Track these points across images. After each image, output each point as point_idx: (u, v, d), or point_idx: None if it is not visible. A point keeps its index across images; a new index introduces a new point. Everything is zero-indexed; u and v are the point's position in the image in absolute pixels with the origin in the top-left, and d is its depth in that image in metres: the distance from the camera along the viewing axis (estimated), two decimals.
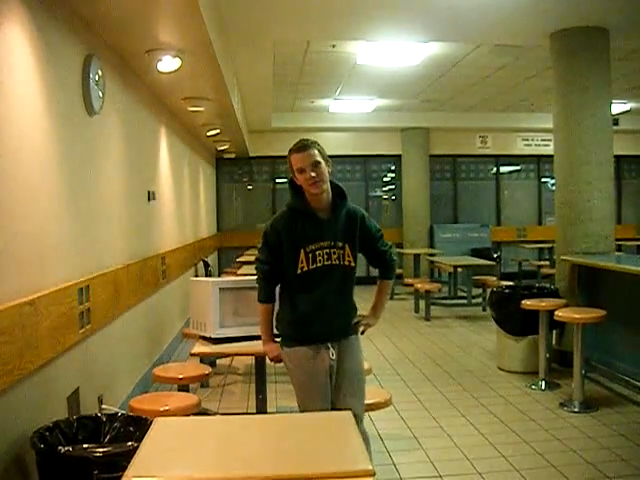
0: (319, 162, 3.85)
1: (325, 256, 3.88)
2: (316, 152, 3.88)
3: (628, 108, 14.17)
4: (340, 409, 3.68)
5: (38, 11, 3.98)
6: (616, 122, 12.75)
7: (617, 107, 13.21)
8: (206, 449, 2.41)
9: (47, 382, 3.96)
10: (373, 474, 2.12)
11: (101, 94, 5.18)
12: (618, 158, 15.84)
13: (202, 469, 2.24)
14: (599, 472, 4.73)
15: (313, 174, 3.83)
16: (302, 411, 3.83)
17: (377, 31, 7.85)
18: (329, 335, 3.94)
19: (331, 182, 3.96)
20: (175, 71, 6.12)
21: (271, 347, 4.02)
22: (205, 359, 6.54)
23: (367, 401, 4.47)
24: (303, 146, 3.89)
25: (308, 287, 3.90)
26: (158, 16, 5.09)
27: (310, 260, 3.86)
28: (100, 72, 5.13)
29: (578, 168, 7.61)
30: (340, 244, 3.90)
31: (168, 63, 5.96)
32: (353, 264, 3.94)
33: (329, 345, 3.91)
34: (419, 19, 7.37)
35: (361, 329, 4.06)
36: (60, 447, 3.32)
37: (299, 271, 3.85)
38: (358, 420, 3.65)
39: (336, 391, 3.92)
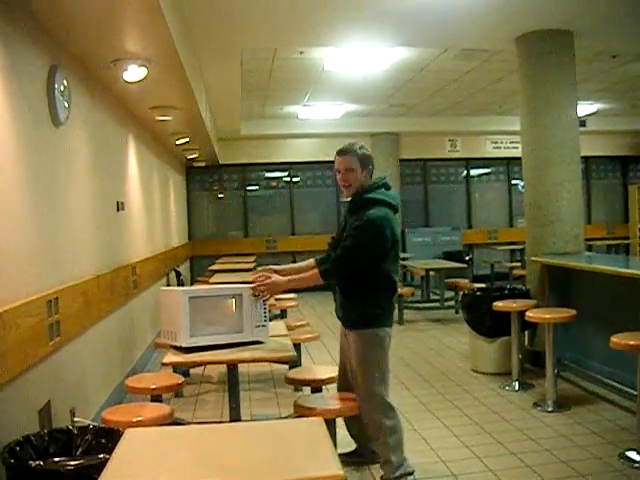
0: (352, 169, 4.38)
1: None
2: (353, 160, 4.38)
3: (595, 109, 14.32)
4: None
5: (1, 21, 3.95)
6: (583, 123, 12.91)
7: (584, 108, 13.35)
8: (177, 458, 2.40)
9: (17, 396, 3.92)
10: (345, 479, 2.13)
11: (67, 104, 5.14)
12: (586, 159, 16.06)
13: (174, 479, 2.22)
14: (573, 470, 4.76)
15: (342, 179, 4.42)
16: None
17: (344, 37, 7.87)
18: (341, 320, 4.63)
19: (373, 183, 4.47)
20: (141, 80, 6.07)
21: None
22: (178, 369, 6.51)
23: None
24: (343, 150, 4.44)
25: None
26: (123, 25, 5.06)
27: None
28: (65, 82, 5.09)
29: (546, 169, 7.68)
30: None
31: (134, 72, 5.92)
32: None
33: (345, 330, 4.59)
34: (386, 24, 7.39)
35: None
36: (31, 461, 3.28)
37: None
38: (366, 412, 4.44)
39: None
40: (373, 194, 4.41)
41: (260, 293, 4.43)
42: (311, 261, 4.78)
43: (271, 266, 4.70)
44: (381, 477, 4.50)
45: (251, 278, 4.58)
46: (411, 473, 4.46)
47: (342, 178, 4.43)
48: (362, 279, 4.37)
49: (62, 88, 5.01)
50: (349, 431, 4.91)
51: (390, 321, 4.52)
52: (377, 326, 4.41)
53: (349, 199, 4.52)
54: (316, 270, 4.47)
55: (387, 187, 4.51)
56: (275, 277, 4.50)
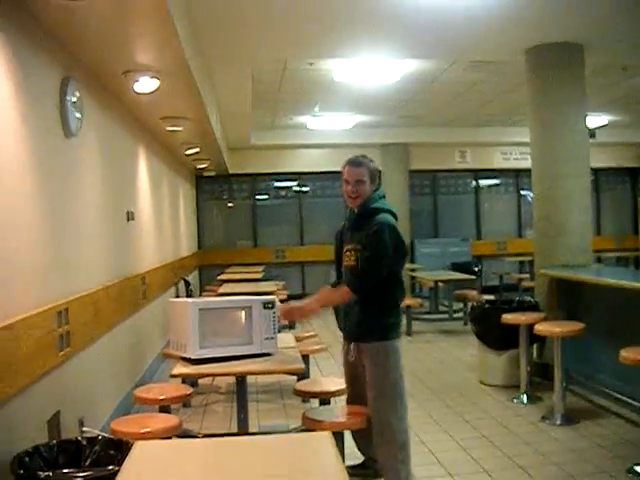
0: (363, 182, 4.43)
1: (351, 257, 4.42)
2: (365, 172, 4.44)
3: (605, 121, 14.29)
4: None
5: (14, 34, 3.99)
6: (593, 135, 12.87)
7: (594, 120, 13.32)
8: (187, 473, 2.41)
9: (27, 406, 3.93)
10: None
11: (79, 115, 5.18)
12: (596, 171, 15.98)
13: None
14: None
15: (352, 190, 4.43)
16: None
17: (354, 49, 7.90)
18: (347, 334, 4.57)
19: (376, 193, 4.52)
20: (153, 92, 6.12)
21: None
22: (187, 379, 6.52)
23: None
24: (355, 162, 4.49)
25: (341, 284, 4.53)
26: (135, 37, 5.10)
27: (344, 259, 4.51)
28: (77, 94, 5.13)
29: (555, 182, 7.68)
30: (358, 247, 4.37)
31: (145, 84, 5.96)
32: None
33: (351, 344, 4.50)
34: (396, 37, 7.41)
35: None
36: (40, 472, 3.29)
37: (342, 268, 4.56)
38: (380, 425, 4.37)
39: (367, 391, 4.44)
40: (379, 204, 4.48)
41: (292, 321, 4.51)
42: (325, 288, 4.77)
43: (291, 303, 4.76)
44: None
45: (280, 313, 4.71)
46: None
47: (352, 189, 4.43)
48: (382, 288, 4.36)
49: (74, 99, 5.05)
50: (356, 444, 4.89)
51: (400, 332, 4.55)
52: (394, 337, 4.43)
53: (351, 210, 4.57)
54: (344, 287, 4.39)
55: (384, 198, 4.60)
56: (304, 303, 4.58)
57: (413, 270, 14.28)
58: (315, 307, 4.54)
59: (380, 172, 4.62)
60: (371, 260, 4.32)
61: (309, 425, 4.42)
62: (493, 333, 7.48)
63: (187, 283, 12.39)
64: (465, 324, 11.61)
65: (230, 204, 16.98)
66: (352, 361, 4.53)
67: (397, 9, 6.37)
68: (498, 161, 17.00)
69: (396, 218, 4.50)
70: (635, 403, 6.14)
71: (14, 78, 3.98)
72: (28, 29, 4.26)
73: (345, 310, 4.52)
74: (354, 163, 4.47)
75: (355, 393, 4.64)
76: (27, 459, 3.43)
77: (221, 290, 9.34)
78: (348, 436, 4.76)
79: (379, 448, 4.44)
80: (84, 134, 5.43)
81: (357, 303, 4.40)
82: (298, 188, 16.99)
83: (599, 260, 14.21)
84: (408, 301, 11.27)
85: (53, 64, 4.77)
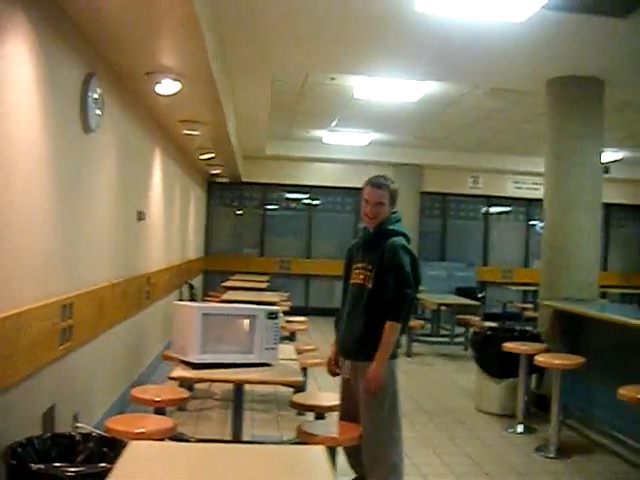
0: (383, 204, 4.37)
1: (360, 275, 4.39)
2: (385, 194, 4.38)
3: (620, 157, 14.27)
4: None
5: (42, 28, 4.02)
6: (607, 170, 12.85)
7: (609, 155, 13.30)
8: (179, 476, 2.41)
9: (24, 397, 3.94)
10: None
11: (99, 112, 5.21)
12: (608, 206, 15.95)
13: None
14: None
15: (371, 211, 4.38)
16: None
17: (376, 67, 7.95)
18: (343, 351, 4.51)
19: (394, 216, 4.47)
20: (173, 94, 6.15)
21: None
22: (184, 383, 6.51)
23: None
24: (377, 184, 4.41)
25: (345, 301, 4.53)
26: (160, 39, 5.15)
27: (351, 276, 4.47)
28: (99, 90, 5.16)
29: (566, 215, 7.68)
30: (370, 267, 4.34)
31: (167, 86, 5.99)
32: (370, 286, 4.31)
33: (346, 361, 4.46)
34: (418, 58, 7.45)
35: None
36: (32, 464, 3.30)
37: (348, 285, 4.52)
38: (372, 445, 4.29)
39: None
40: (395, 226, 4.45)
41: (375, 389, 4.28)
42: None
43: (330, 358, 4.67)
44: None
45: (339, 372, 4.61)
46: None
47: (371, 211, 4.39)
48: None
49: (96, 96, 5.08)
50: (348, 460, 4.86)
51: None
52: (392, 357, 4.35)
53: (363, 228, 4.58)
54: (389, 323, 4.22)
55: (400, 222, 4.56)
56: (370, 372, 4.25)
57: (417, 291, 14.22)
58: (382, 365, 4.27)
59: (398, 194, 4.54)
60: (398, 286, 4.26)
61: (303, 438, 4.40)
62: (493, 361, 7.47)
63: (191, 287, 12.40)
64: (465, 349, 11.58)
65: (240, 212, 17.02)
66: (347, 378, 4.49)
67: (421, 32, 6.39)
68: (510, 189, 17.01)
69: (409, 241, 4.46)
70: (630, 442, 6.11)
71: (39, 70, 4.01)
72: (56, 22, 4.29)
73: (346, 325, 4.46)
74: (376, 185, 4.40)
75: (348, 409, 4.53)
76: (20, 450, 3.44)
77: (224, 297, 9.34)
78: (341, 450, 4.75)
79: (370, 469, 4.36)
80: (103, 131, 5.46)
81: (362, 318, 4.33)
82: (309, 201, 17.02)
83: (604, 295, 14.16)
84: (410, 322, 11.25)
85: (78, 59, 4.80)
